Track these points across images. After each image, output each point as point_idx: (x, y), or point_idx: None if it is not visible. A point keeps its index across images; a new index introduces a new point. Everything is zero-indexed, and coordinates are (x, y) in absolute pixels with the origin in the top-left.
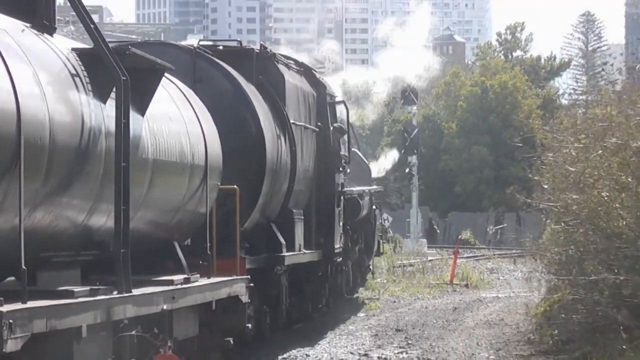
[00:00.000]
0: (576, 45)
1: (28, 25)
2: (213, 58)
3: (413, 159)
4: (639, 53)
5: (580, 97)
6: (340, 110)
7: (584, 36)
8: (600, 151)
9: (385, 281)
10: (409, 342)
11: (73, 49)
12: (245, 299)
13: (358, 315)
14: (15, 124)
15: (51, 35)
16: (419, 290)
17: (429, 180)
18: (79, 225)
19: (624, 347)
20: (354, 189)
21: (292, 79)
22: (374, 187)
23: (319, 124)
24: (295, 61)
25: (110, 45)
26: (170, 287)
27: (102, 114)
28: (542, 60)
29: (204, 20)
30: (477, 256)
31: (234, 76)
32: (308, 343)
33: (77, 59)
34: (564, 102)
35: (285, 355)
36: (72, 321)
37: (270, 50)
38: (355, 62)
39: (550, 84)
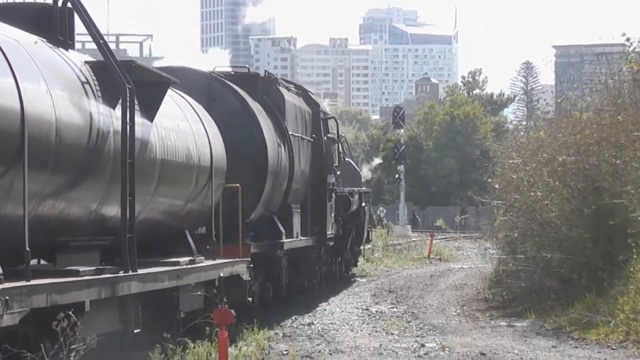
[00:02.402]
0: (519, 85)
1: (44, 40)
2: (225, 80)
3: (401, 167)
4: (565, 92)
5: (522, 124)
6: (331, 124)
7: (524, 79)
8: (534, 164)
9: (381, 256)
10: (398, 300)
11: (86, 62)
12: (246, 277)
13: (361, 280)
14: (18, 122)
15: (66, 49)
16: (405, 263)
17: (412, 183)
18: (92, 214)
19: (552, 304)
20: (346, 188)
21: (291, 99)
22: (364, 188)
23: (314, 135)
24: (295, 85)
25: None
26: (175, 267)
27: (110, 118)
28: (494, 96)
29: (251, 68)
30: (447, 238)
31: (242, 96)
32: (325, 301)
33: (89, 70)
34: (510, 127)
35: (311, 307)
36: (74, 297)
37: (273, 75)
38: (359, 97)
39: (500, 113)
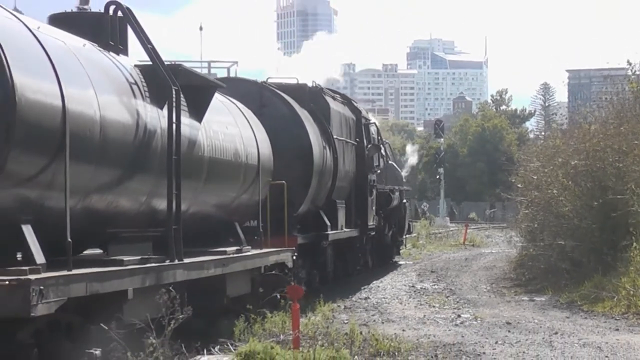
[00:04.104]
0: (538, 102)
1: (94, 44)
2: (275, 89)
3: (441, 170)
4: (577, 107)
5: (540, 134)
6: (373, 129)
7: (543, 97)
8: (551, 167)
9: (424, 243)
10: (439, 278)
11: (135, 65)
12: (290, 265)
13: (407, 263)
14: (59, 119)
15: (117, 54)
16: (444, 248)
17: (450, 182)
18: (141, 207)
19: (566, 282)
20: (387, 186)
21: (336, 107)
22: (404, 187)
23: (357, 139)
24: (340, 94)
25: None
26: (222, 257)
27: (158, 117)
28: (518, 111)
29: None
30: (479, 228)
31: (290, 103)
32: (378, 279)
33: (139, 73)
34: (531, 136)
35: (366, 285)
36: (116, 285)
37: (320, 86)
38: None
39: (523, 126)
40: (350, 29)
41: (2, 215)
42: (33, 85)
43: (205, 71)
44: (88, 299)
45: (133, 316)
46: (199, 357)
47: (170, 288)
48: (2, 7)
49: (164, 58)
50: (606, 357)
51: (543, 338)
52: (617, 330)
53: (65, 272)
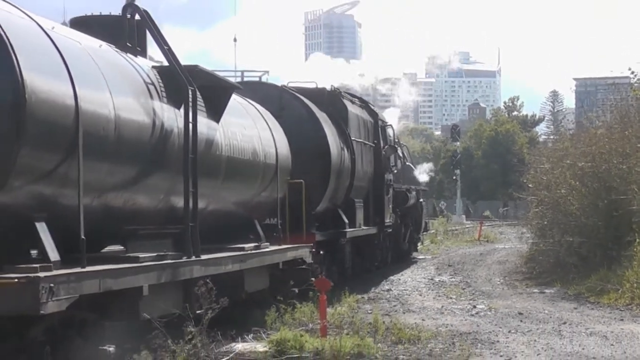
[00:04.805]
0: (547, 108)
1: (111, 45)
2: (294, 92)
3: (457, 171)
4: (585, 113)
5: (550, 138)
6: (389, 131)
7: (552, 103)
8: (560, 168)
9: (442, 239)
10: (456, 272)
11: (153, 67)
12: (308, 260)
13: (426, 257)
14: (72, 117)
15: (135, 55)
16: (460, 244)
17: (466, 183)
18: (159, 205)
19: (574, 276)
20: (403, 186)
21: (354, 110)
22: (421, 187)
23: (375, 141)
24: (359, 98)
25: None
26: (239, 253)
27: (175, 117)
28: (528, 117)
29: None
30: (492, 225)
31: (309, 106)
32: (399, 272)
33: (156, 74)
34: (541, 140)
35: (387, 278)
36: (130, 282)
37: (338, 90)
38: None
39: (533, 130)
40: (372, 41)
41: (16, 213)
42: (44, 83)
43: (238, 80)
44: (103, 296)
45: (149, 312)
46: (233, 344)
47: (208, 280)
48: (15, 6)
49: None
50: (611, 345)
51: (553, 327)
52: (622, 320)
53: (77, 270)
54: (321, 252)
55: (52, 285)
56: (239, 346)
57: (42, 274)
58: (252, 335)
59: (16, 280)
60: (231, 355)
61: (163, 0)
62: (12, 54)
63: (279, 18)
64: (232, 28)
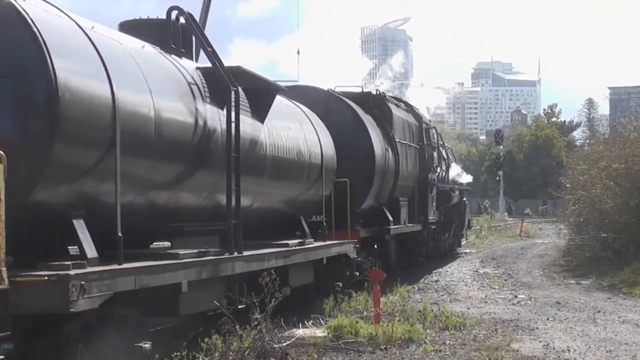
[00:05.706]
0: (584, 114)
1: (156, 47)
2: (340, 96)
3: (500, 172)
4: (618, 119)
5: (586, 142)
6: (433, 133)
7: (587, 110)
8: (595, 169)
9: (486, 234)
10: (498, 264)
11: (197, 68)
12: (352, 255)
13: (472, 251)
14: (109, 116)
15: (179, 57)
16: (503, 239)
17: (508, 183)
18: (204, 202)
19: (608, 268)
20: (447, 185)
21: (399, 113)
22: (464, 186)
23: (420, 143)
24: (404, 102)
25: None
26: (283, 249)
27: (218, 117)
28: (566, 122)
29: None
30: (533, 222)
31: (354, 109)
32: (446, 265)
33: (200, 75)
34: (578, 144)
35: (435, 270)
36: (168, 278)
37: (383, 93)
38: (471, 123)
39: (571, 135)
40: (423, 53)
41: (52, 210)
42: (79, 82)
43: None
44: (142, 292)
45: (189, 309)
46: (295, 329)
47: (272, 271)
48: (54, 5)
49: (271, 78)
50: None
51: (588, 315)
52: None
53: (111, 267)
54: (375, 247)
55: (83, 282)
56: (300, 331)
57: (72, 272)
58: (311, 321)
59: (46, 278)
60: (293, 339)
61: (235, 15)
62: (46, 53)
63: (338, 33)
64: (296, 41)
